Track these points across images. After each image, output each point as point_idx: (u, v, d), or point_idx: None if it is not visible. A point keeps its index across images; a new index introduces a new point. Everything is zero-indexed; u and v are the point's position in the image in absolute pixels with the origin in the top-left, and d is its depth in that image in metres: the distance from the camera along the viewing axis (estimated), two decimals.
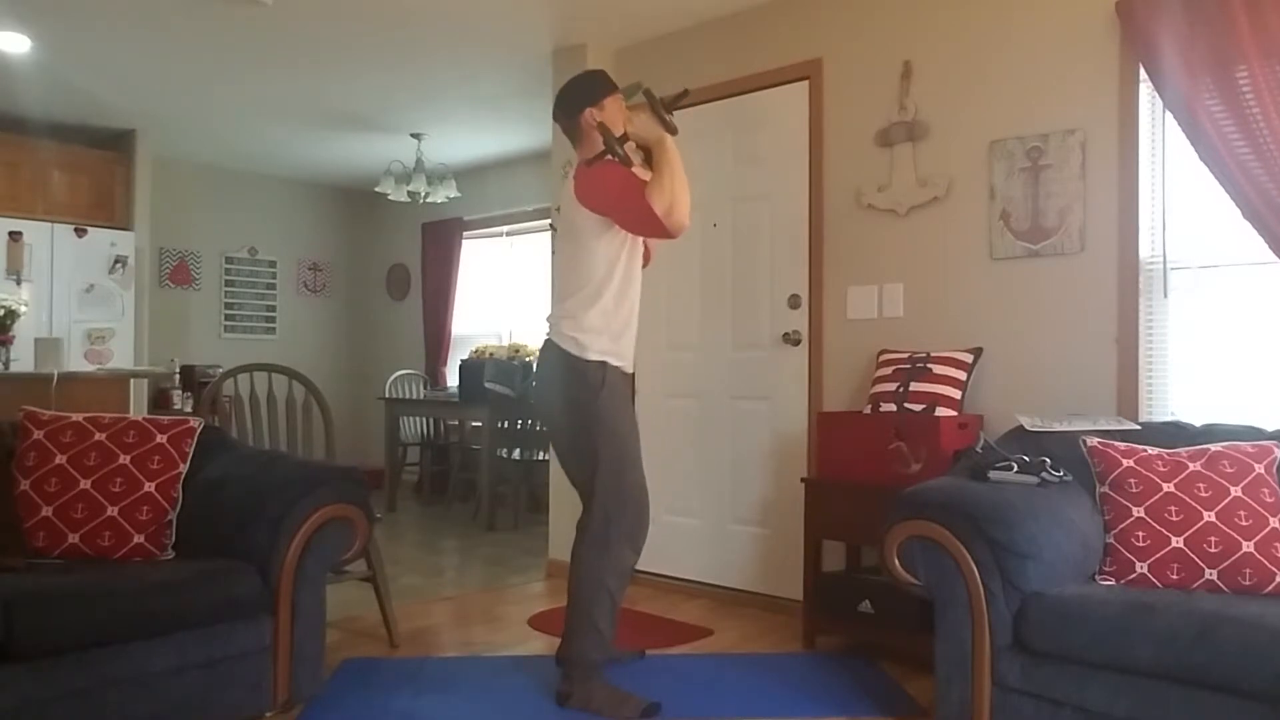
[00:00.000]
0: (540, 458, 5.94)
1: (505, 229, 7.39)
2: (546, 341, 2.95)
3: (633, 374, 2.99)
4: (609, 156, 2.77)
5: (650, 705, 2.75)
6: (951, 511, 2.45)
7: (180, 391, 6.91)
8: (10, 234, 5.69)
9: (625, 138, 2.82)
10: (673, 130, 2.82)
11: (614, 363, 2.85)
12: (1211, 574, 2.38)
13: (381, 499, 6.50)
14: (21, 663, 2.14)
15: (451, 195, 6.64)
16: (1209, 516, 2.42)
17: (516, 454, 6.16)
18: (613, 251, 2.85)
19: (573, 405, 2.83)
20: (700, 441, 4.31)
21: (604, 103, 2.90)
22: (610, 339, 2.85)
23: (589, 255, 2.84)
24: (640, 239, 2.94)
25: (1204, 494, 2.45)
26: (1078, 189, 3.23)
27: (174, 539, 2.76)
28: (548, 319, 2.99)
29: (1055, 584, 2.36)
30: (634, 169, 2.83)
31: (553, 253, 3.01)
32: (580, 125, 2.90)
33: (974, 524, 2.40)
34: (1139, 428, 2.87)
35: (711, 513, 4.27)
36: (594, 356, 2.82)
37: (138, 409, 5.81)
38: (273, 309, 7.97)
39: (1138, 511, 2.50)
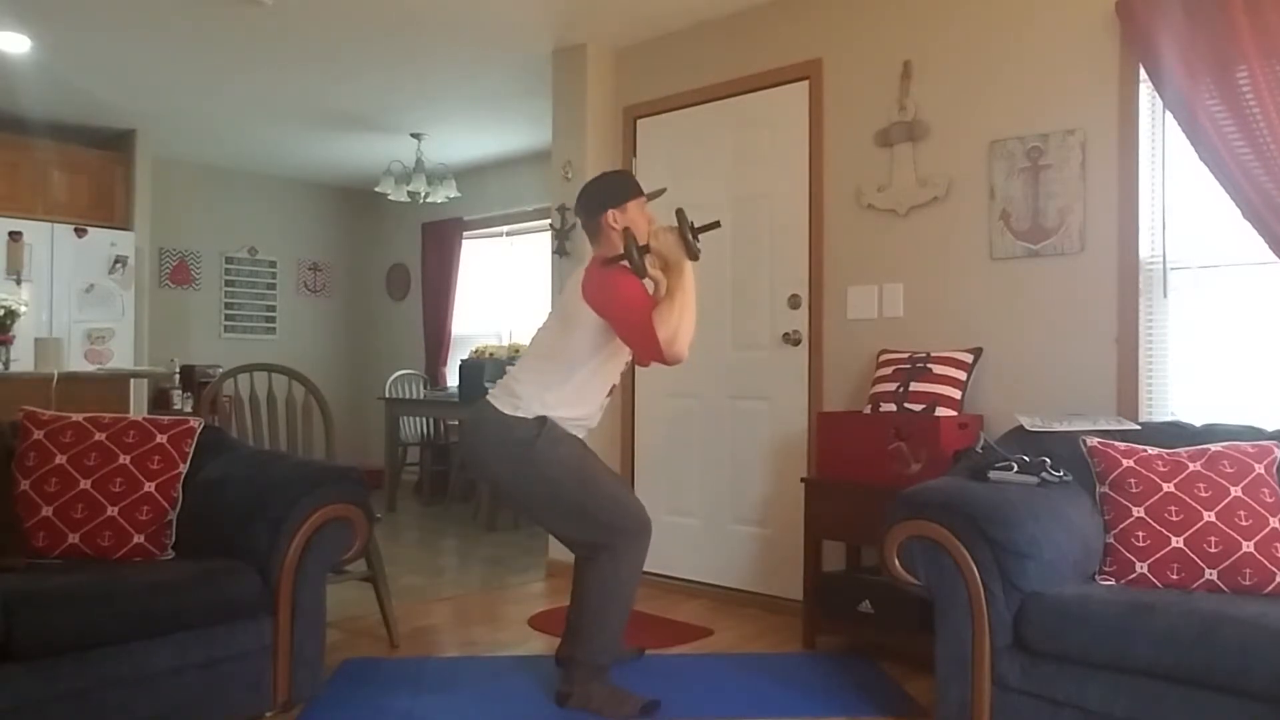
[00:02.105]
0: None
1: (505, 229, 7.39)
2: (481, 403, 2.86)
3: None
4: (625, 263, 2.72)
5: (649, 703, 2.75)
6: (951, 511, 2.45)
7: (180, 391, 6.90)
8: (10, 234, 5.69)
9: (647, 249, 2.75)
10: (695, 256, 2.73)
11: (555, 417, 2.76)
12: (1211, 574, 2.38)
13: (381, 499, 6.49)
14: (21, 663, 2.14)
15: (451, 195, 6.64)
16: (1209, 516, 2.42)
17: None
18: (599, 347, 2.78)
19: (514, 464, 2.74)
20: (700, 441, 4.31)
21: (627, 206, 2.85)
22: (564, 411, 2.78)
23: (574, 343, 2.78)
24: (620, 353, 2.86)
25: (1204, 494, 2.45)
26: (1078, 189, 3.23)
27: (174, 539, 2.77)
28: (496, 381, 2.89)
29: (1055, 584, 2.36)
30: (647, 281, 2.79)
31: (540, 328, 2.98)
32: (601, 225, 2.86)
33: (974, 524, 2.40)
34: (1139, 428, 2.87)
35: (711, 513, 4.27)
36: (530, 415, 2.74)
37: (138, 409, 5.81)
38: (273, 309, 7.97)
39: (1138, 511, 2.50)
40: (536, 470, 2.74)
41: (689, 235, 2.72)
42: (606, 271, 2.76)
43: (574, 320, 2.78)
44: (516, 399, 2.78)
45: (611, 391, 2.94)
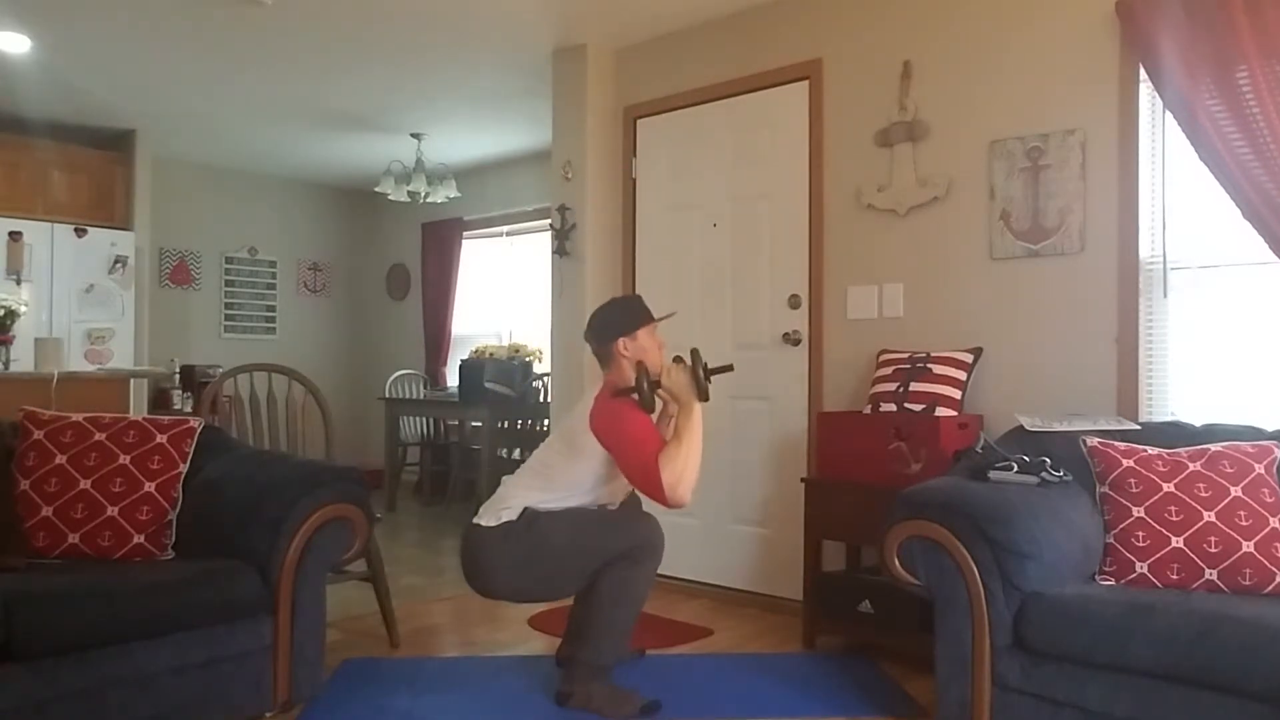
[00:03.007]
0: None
1: (505, 229, 7.39)
2: (468, 529, 2.84)
3: None
4: (635, 397, 2.74)
5: (650, 703, 2.75)
6: (951, 511, 2.45)
7: (180, 391, 6.90)
8: (10, 234, 5.69)
9: (659, 384, 2.77)
10: (705, 397, 2.75)
11: (534, 507, 2.76)
12: (1211, 574, 2.38)
13: (381, 499, 6.49)
14: (21, 663, 2.14)
15: (451, 195, 6.64)
16: (1209, 516, 2.42)
17: (517, 454, 6.16)
18: (602, 478, 2.81)
19: (510, 562, 2.73)
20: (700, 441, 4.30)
21: (638, 333, 2.88)
22: (548, 506, 2.78)
23: (577, 470, 2.80)
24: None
25: (1204, 494, 2.45)
26: (1078, 189, 3.23)
27: (174, 539, 2.77)
28: (497, 496, 2.87)
29: (1055, 584, 2.36)
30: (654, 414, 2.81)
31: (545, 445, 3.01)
32: (613, 353, 2.88)
33: (974, 524, 2.40)
34: (1139, 428, 2.87)
35: (711, 513, 4.26)
36: (513, 516, 2.75)
37: (138, 409, 5.81)
38: (273, 309, 7.97)
39: (1138, 511, 2.50)
40: (528, 554, 2.73)
41: (701, 375, 2.75)
42: (616, 404, 2.77)
43: (579, 448, 2.80)
44: (501, 511, 2.78)
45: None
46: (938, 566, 2.45)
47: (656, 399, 2.78)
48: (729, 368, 2.89)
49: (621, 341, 2.87)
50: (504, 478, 2.97)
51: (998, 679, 2.37)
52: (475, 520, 2.83)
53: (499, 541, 2.75)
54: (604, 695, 2.76)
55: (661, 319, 2.96)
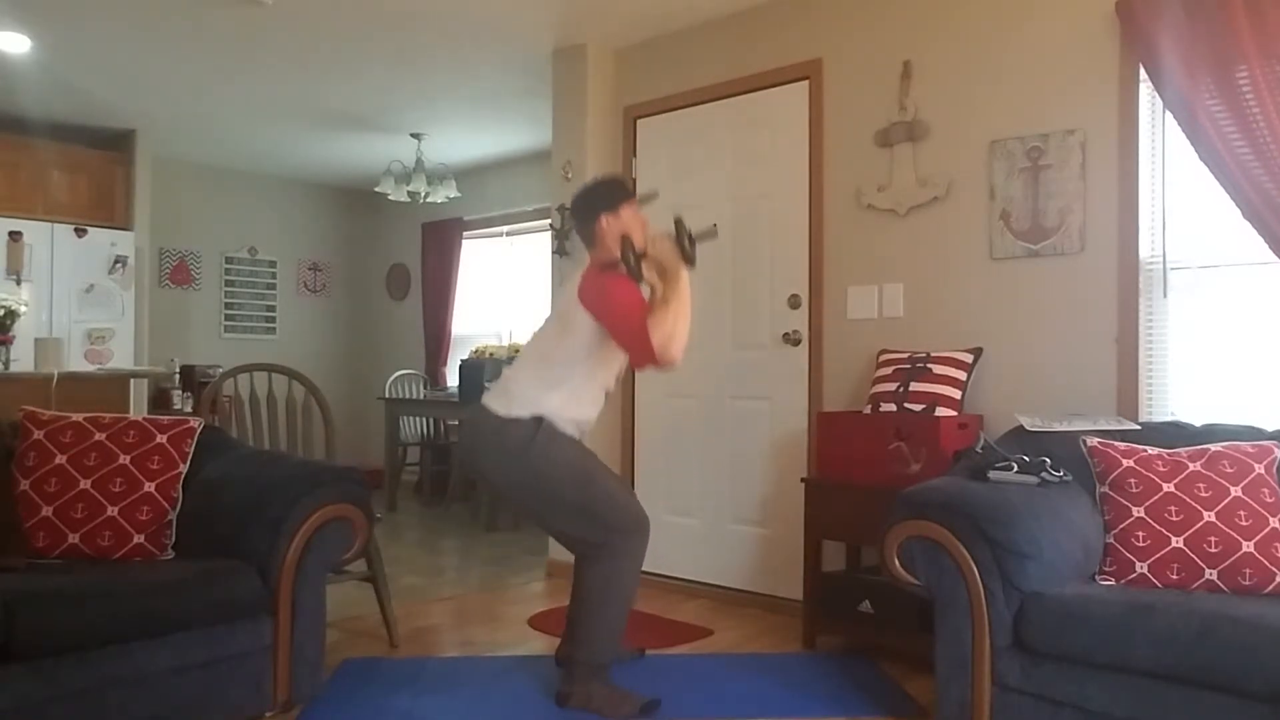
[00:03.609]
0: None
1: (505, 229, 7.39)
2: (476, 406, 2.88)
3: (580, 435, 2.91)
4: (623, 268, 2.74)
5: (649, 703, 2.75)
6: (951, 511, 2.45)
7: (180, 391, 6.90)
8: (10, 234, 5.69)
9: (644, 254, 2.77)
10: (691, 263, 2.76)
11: (549, 418, 2.77)
12: (1211, 574, 2.38)
13: (381, 499, 6.49)
14: (21, 663, 2.14)
15: (451, 195, 6.64)
16: (1209, 516, 2.42)
17: None
18: (595, 351, 2.80)
19: (512, 466, 2.76)
20: (700, 441, 4.31)
21: (620, 210, 2.89)
22: (560, 412, 2.79)
23: (571, 346, 2.80)
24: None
25: (1204, 494, 2.45)
26: (1078, 189, 3.23)
27: (174, 539, 2.76)
28: (492, 383, 2.90)
29: (1055, 584, 2.36)
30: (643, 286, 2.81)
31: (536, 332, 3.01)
32: (596, 231, 2.89)
33: (974, 524, 2.40)
34: (1139, 428, 2.87)
35: (711, 513, 4.27)
36: (526, 415, 2.75)
37: (138, 409, 5.81)
38: (273, 309, 7.97)
39: (1138, 511, 2.50)
40: (534, 470, 2.75)
41: (686, 243, 2.74)
42: (603, 276, 2.78)
43: (571, 324, 2.80)
44: (512, 400, 2.79)
45: (608, 392, 2.95)
46: (938, 566, 2.45)
47: (644, 269, 2.77)
48: (714, 232, 2.86)
49: (604, 218, 2.88)
50: (504, 369, 2.98)
51: (998, 679, 2.37)
52: (484, 401, 2.85)
53: (504, 434, 2.75)
54: (604, 695, 2.76)
55: (643, 197, 2.94)
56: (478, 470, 2.88)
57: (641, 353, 2.71)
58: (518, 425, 2.75)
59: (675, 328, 2.69)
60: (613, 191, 2.95)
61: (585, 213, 2.93)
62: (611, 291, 2.74)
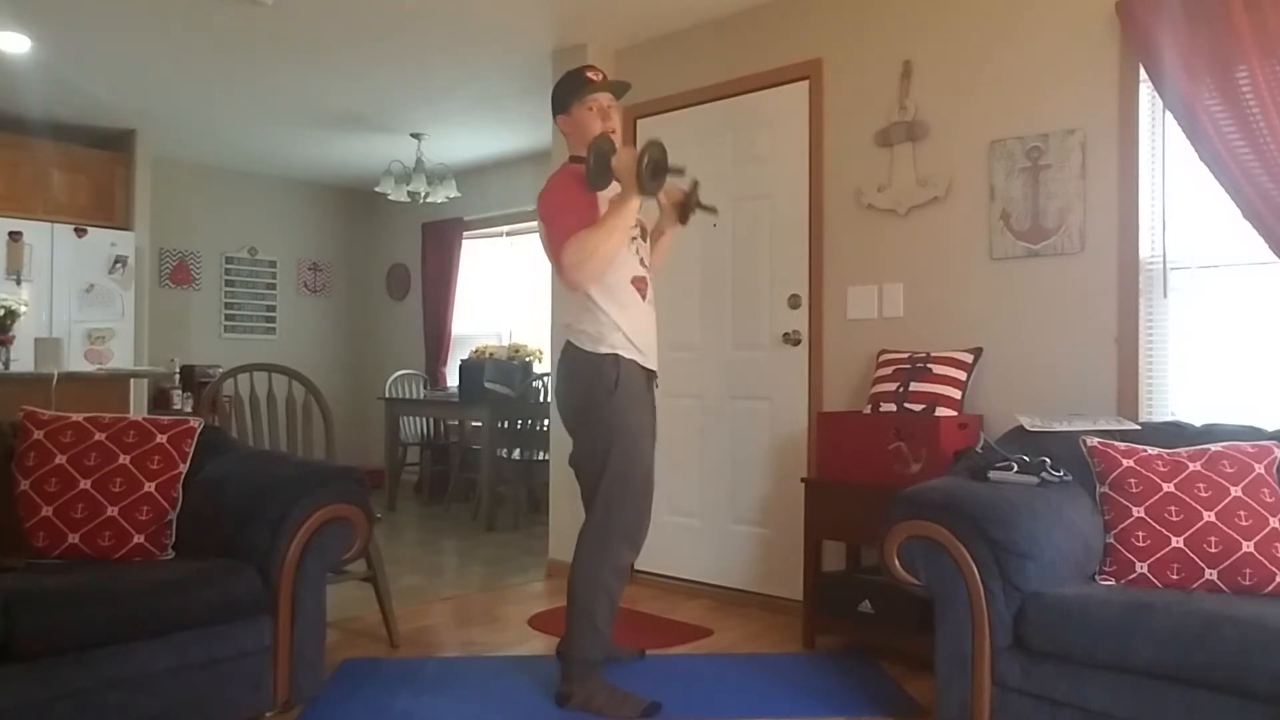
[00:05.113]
0: (540, 458, 5.94)
1: (505, 229, 7.39)
2: (566, 342, 2.91)
3: (653, 370, 2.92)
4: (580, 165, 2.71)
5: (651, 704, 2.75)
6: (951, 511, 2.45)
7: (180, 391, 6.91)
8: (10, 234, 5.69)
9: (608, 169, 2.69)
10: (646, 193, 2.70)
11: (627, 356, 2.79)
12: (1211, 574, 2.38)
13: (381, 499, 6.50)
14: (21, 663, 2.14)
15: (451, 195, 6.64)
16: (1209, 516, 2.42)
17: (516, 454, 6.16)
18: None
19: (587, 403, 2.79)
20: (700, 441, 4.31)
21: (572, 110, 2.87)
22: (622, 336, 2.78)
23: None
24: (633, 240, 2.84)
25: (1204, 494, 2.45)
26: (1078, 189, 3.23)
27: (174, 539, 2.76)
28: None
29: (1055, 584, 2.36)
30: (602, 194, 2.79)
31: None
32: (560, 127, 2.92)
33: (974, 524, 2.40)
34: (1139, 428, 2.87)
35: (711, 513, 4.27)
36: (605, 350, 2.77)
37: (138, 409, 5.81)
38: (273, 309, 7.97)
39: (1138, 511, 2.50)
40: (606, 421, 2.75)
41: (645, 171, 2.64)
42: (560, 175, 2.80)
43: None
44: (583, 330, 2.79)
45: (645, 285, 2.88)
46: (938, 566, 2.45)
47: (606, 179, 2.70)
48: (714, 210, 2.86)
49: (559, 119, 2.88)
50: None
51: (998, 679, 2.37)
52: (564, 323, 2.88)
53: (592, 370, 2.76)
54: (605, 696, 2.76)
55: (599, 88, 2.85)
56: (564, 404, 2.88)
57: (554, 257, 2.71)
58: (602, 363, 2.75)
59: (595, 251, 2.64)
60: (562, 91, 2.91)
61: (552, 110, 2.93)
62: (547, 190, 2.75)
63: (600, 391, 2.76)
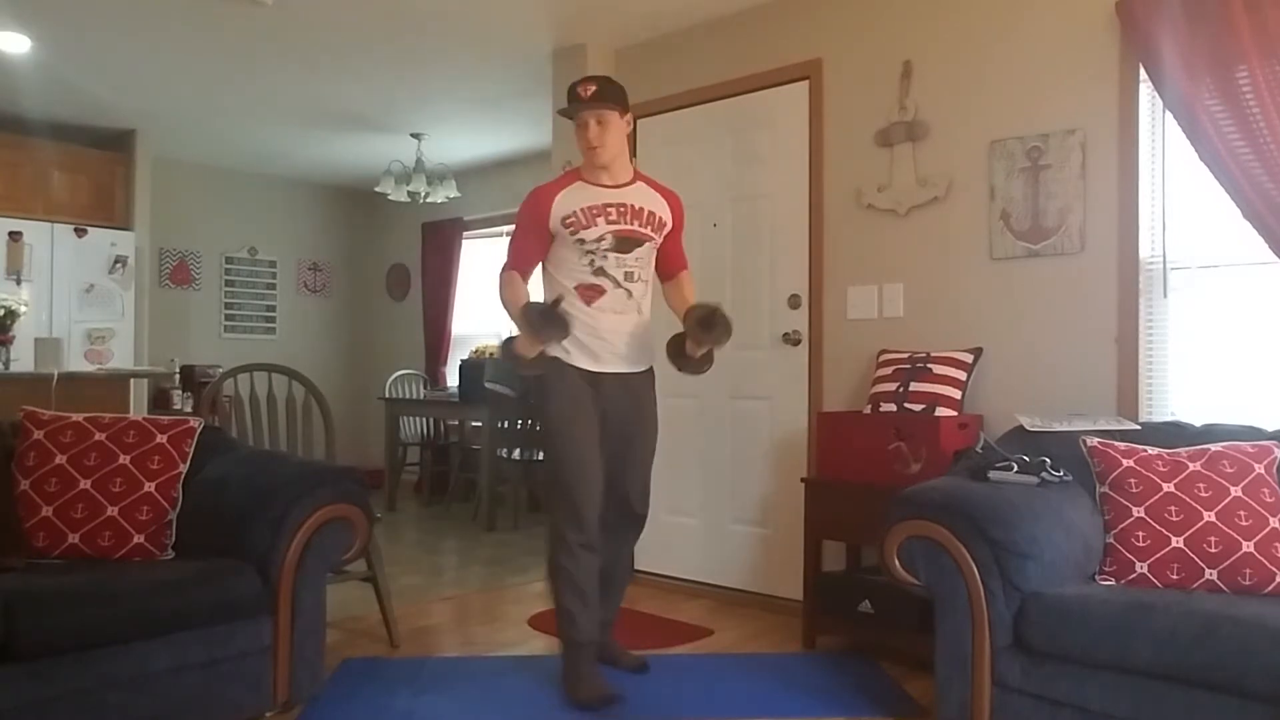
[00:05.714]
0: (540, 458, 5.93)
1: (505, 229, 7.37)
2: None
3: (599, 372, 2.91)
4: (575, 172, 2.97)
5: (607, 697, 2.78)
6: (951, 511, 2.45)
7: (180, 391, 6.91)
8: (10, 234, 5.69)
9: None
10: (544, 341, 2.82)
11: (552, 353, 2.89)
12: (1211, 574, 2.38)
13: (381, 499, 6.50)
14: (21, 663, 2.14)
15: (451, 195, 6.64)
16: (1209, 516, 2.42)
17: (516, 454, 6.16)
18: (552, 255, 2.96)
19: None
20: (700, 441, 4.31)
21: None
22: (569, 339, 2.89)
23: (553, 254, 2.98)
24: (577, 242, 2.88)
25: (1204, 494, 2.45)
26: (1078, 189, 3.23)
27: (174, 539, 2.76)
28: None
29: (1055, 584, 2.36)
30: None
31: None
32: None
33: (974, 524, 2.40)
34: (1139, 428, 2.87)
35: (711, 512, 4.27)
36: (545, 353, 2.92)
37: (138, 409, 5.81)
38: (273, 309, 7.98)
39: (1138, 511, 2.50)
40: (540, 420, 2.99)
41: (699, 331, 3.07)
42: (560, 177, 3.03)
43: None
44: None
45: (597, 293, 2.90)
46: (938, 566, 2.45)
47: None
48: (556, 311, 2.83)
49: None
50: None
51: (998, 679, 2.37)
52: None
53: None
54: (573, 673, 2.84)
55: (578, 109, 2.87)
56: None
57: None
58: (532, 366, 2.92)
59: (500, 297, 2.92)
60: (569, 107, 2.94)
61: None
62: (529, 195, 2.94)
63: (532, 393, 2.99)
